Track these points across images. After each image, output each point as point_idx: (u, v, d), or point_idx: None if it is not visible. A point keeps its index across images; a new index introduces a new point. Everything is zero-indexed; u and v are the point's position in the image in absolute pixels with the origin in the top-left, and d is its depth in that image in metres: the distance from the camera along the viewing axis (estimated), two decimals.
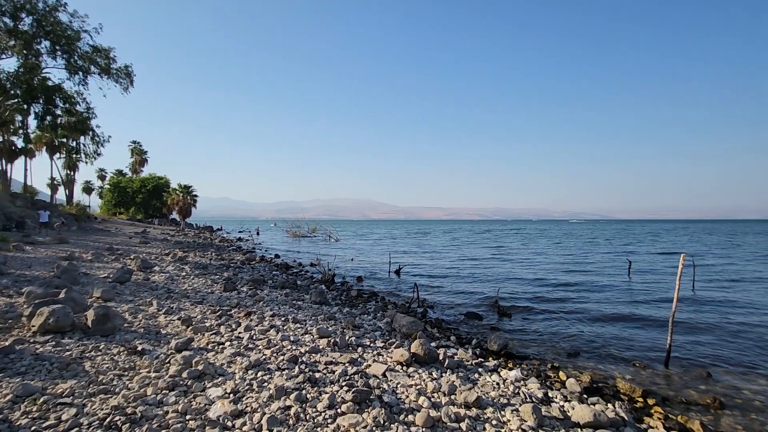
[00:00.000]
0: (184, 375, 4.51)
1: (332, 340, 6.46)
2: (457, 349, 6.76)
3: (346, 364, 5.51)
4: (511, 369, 6.03)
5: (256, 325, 7.08)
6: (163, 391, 4.16)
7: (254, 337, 6.38)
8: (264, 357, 5.46)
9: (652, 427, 4.47)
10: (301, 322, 7.73)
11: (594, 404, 4.88)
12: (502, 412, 4.45)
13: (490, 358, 6.56)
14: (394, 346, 6.63)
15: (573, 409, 4.55)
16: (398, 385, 4.95)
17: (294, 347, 6.04)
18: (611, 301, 11.73)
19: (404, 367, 5.67)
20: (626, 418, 4.54)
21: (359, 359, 5.86)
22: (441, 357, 6.14)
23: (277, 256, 24.07)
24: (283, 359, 5.38)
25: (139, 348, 5.34)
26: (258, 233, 56.68)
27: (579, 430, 4.18)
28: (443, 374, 5.54)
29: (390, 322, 8.17)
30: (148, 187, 54.23)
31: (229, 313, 7.98)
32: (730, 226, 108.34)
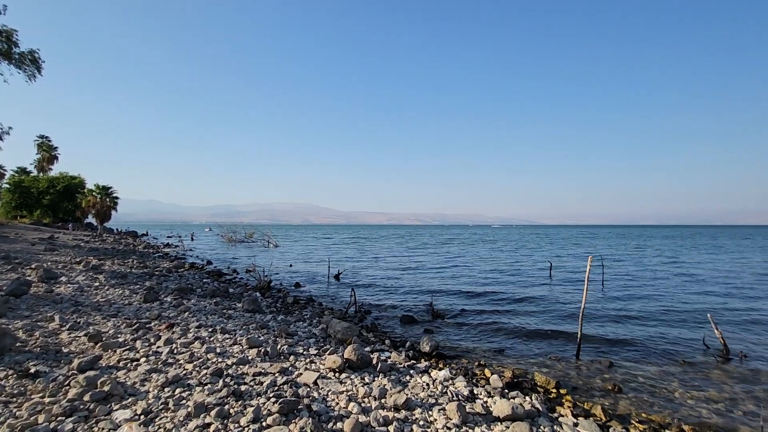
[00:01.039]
0: (86, 398, 4.06)
1: (263, 350, 6.22)
2: (391, 353, 6.86)
3: (276, 374, 5.34)
4: (441, 369, 6.25)
5: (179, 338, 6.59)
6: (59, 418, 3.70)
7: (175, 351, 5.93)
8: (185, 372, 5.10)
9: (562, 415, 4.89)
10: (231, 332, 7.35)
11: (514, 398, 5.23)
12: (430, 412, 4.59)
13: (423, 360, 6.74)
14: (328, 352, 6.54)
15: (495, 404, 4.83)
16: (329, 393, 4.90)
17: (220, 359, 5.71)
18: (534, 300, 12.67)
19: (337, 374, 5.62)
20: (540, 408, 4.92)
21: (291, 368, 5.71)
22: (374, 361, 6.19)
23: (209, 262, 22.67)
24: (207, 373, 5.06)
25: (33, 370, 4.70)
26: (192, 238, 53.01)
27: (499, 423, 4.44)
28: (375, 378, 5.58)
29: (325, 328, 8.06)
30: (57, 188, 48.01)
31: (148, 326, 7.34)
32: (639, 231, 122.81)
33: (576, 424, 4.59)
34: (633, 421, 4.90)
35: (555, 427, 4.47)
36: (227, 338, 6.88)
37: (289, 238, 61.91)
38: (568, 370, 6.67)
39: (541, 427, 4.43)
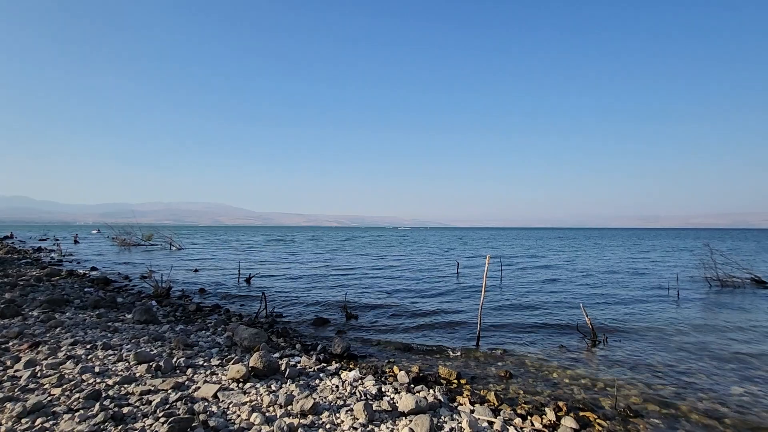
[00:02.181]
0: None
1: (155, 365, 5.62)
2: (301, 357, 6.70)
3: (169, 391, 4.86)
4: (351, 370, 6.29)
5: (45, 359, 5.64)
6: None
7: (40, 374, 5.06)
8: (50, 398, 4.36)
9: (461, 404, 5.26)
10: (115, 347, 6.49)
11: (419, 392, 5.48)
12: (337, 414, 4.58)
13: (333, 362, 6.70)
14: (232, 362, 6.15)
15: (401, 399, 5.00)
16: (231, 405, 4.60)
17: (98, 380, 5.01)
18: (441, 297, 13.49)
19: (240, 384, 5.30)
20: (442, 399, 5.23)
21: (187, 382, 5.24)
22: (283, 367, 5.99)
23: (93, 269, 19.75)
24: (80, 397, 4.40)
25: None
26: (76, 241, 45.62)
27: (404, 418, 4.60)
28: (283, 385, 5.40)
29: (231, 336, 7.56)
30: None
31: (4, 346, 6.13)
32: (538, 233, 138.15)
33: (472, 411, 4.97)
34: (520, 403, 5.47)
35: (454, 415, 4.79)
36: (110, 355, 6.07)
37: (196, 240, 56.90)
38: (468, 361, 7.20)
39: (442, 417, 4.71)
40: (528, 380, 6.34)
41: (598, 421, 4.99)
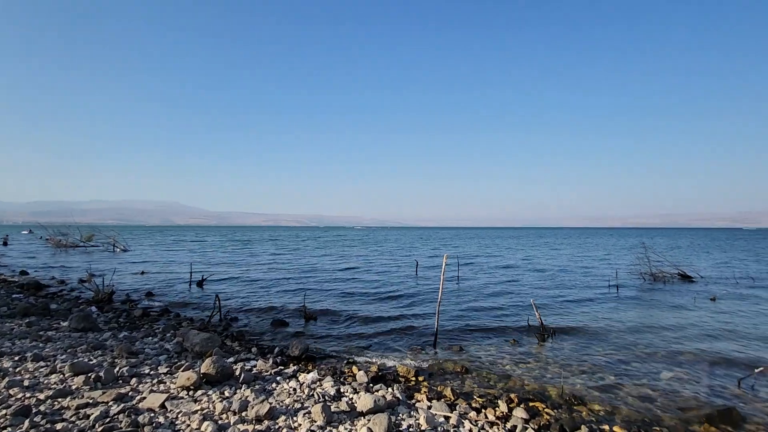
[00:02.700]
0: None
1: (93, 376, 5.22)
2: (257, 361, 6.50)
3: (110, 403, 4.54)
4: (309, 372, 6.19)
5: None
6: None
7: None
8: None
9: (419, 401, 5.35)
10: (48, 358, 5.97)
11: (377, 391, 5.50)
12: (295, 418, 4.49)
13: (291, 364, 6.57)
14: (182, 369, 5.84)
15: (359, 399, 5.00)
16: (180, 415, 4.37)
17: (28, 394, 4.57)
18: (400, 296, 13.65)
19: (191, 392, 5.06)
20: (400, 397, 5.29)
21: (131, 393, 4.92)
22: (237, 372, 5.79)
23: (24, 272, 17.98)
24: (7, 414, 3.99)
25: None
26: (5, 243, 41.23)
27: (362, 417, 4.61)
28: (237, 390, 5.22)
29: (181, 341, 7.19)
30: None
31: None
32: (496, 232, 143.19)
33: (430, 407, 5.08)
34: (475, 397, 5.66)
35: (412, 412, 4.86)
36: (42, 367, 5.57)
37: (144, 241, 53.47)
38: (426, 358, 7.35)
39: (401, 415, 4.77)
40: (483, 375, 6.58)
41: (546, 410, 5.27)
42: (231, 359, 6.54)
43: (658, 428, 4.81)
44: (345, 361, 7.01)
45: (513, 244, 52.86)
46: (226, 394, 5.07)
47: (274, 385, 5.52)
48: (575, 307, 11.99)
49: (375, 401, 4.77)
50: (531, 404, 5.42)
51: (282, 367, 6.33)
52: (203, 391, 5.12)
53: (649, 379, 6.40)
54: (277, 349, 7.32)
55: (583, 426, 4.75)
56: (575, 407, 5.39)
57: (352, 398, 5.21)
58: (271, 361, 6.57)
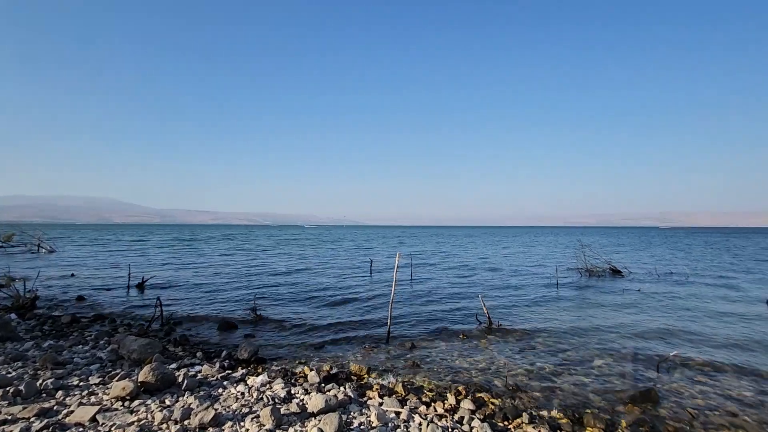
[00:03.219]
0: None
1: (12, 390, 4.72)
2: (202, 366, 6.20)
3: (32, 419, 4.13)
4: (259, 374, 6.02)
5: None
6: None
7: None
8: None
9: (370, 398, 5.39)
10: None
11: (329, 391, 5.48)
12: (242, 423, 4.35)
13: (240, 368, 6.35)
14: (116, 378, 5.43)
15: (310, 400, 4.94)
16: (113, 428, 4.08)
17: None
18: (354, 294, 13.66)
19: (127, 402, 4.73)
20: (352, 396, 5.31)
21: (57, 407, 4.51)
22: (180, 378, 5.50)
23: None
24: None
25: None
26: None
27: (313, 418, 4.56)
28: (180, 398, 4.95)
29: (117, 349, 6.68)
30: None
31: None
32: (449, 231, 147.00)
33: (381, 404, 5.14)
34: (425, 391, 5.82)
35: (363, 410, 4.90)
36: None
37: (75, 241, 48.86)
38: (379, 356, 7.42)
39: (352, 413, 4.78)
40: (433, 369, 6.76)
41: (491, 400, 5.54)
42: (173, 365, 6.19)
43: (590, 411, 5.23)
44: (297, 362, 6.90)
45: (466, 243, 54.79)
46: (167, 402, 4.80)
47: (220, 390, 5.31)
48: (520, 303, 12.68)
49: (326, 401, 4.75)
50: (478, 395, 5.67)
51: (230, 371, 6.10)
52: (141, 400, 4.80)
53: (583, 367, 6.93)
54: (224, 353, 7.03)
55: (524, 413, 5.05)
56: (518, 395, 5.72)
57: (303, 399, 5.14)
58: (217, 365, 6.30)
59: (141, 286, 14.38)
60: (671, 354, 7.10)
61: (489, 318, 9.53)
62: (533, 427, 4.73)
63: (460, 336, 8.78)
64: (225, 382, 5.58)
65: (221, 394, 5.15)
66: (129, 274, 15.24)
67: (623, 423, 4.96)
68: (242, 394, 5.19)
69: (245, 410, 4.68)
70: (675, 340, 8.65)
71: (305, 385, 5.70)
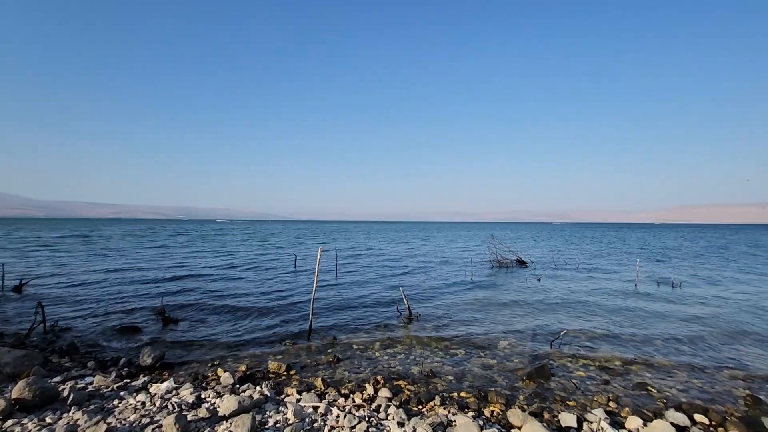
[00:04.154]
0: None
1: None
2: (95, 376, 5.53)
3: None
4: (164, 381, 5.55)
5: None
6: None
7: None
8: None
9: (288, 395, 5.30)
10: None
11: (244, 392, 5.26)
12: None
13: (142, 375, 5.78)
14: None
15: (222, 403, 4.69)
16: None
17: None
18: (276, 291, 13.26)
19: None
20: (269, 394, 5.16)
21: None
22: (66, 392, 4.84)
23: None
24: None
25: None
26: None
27: (224, 421, 4.35)
28: (64, 414, 4.36)
29: None
30: None
31: None
32: (379, 225, 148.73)
33: (299, 400, 5.08)
34: (345, 383, 5.88)
35: (280, 407, 4.79)
36: None
37: None
38: (300, 352, 7.31)
39: (268, 412, 4.65)
40: (354, 362, 6.86)
41: (407, 386, 5.80)
42: (57, 378, 5.42)
43: (493, 389, 5.75)
44: (210, 365, 6.49)
45: (393, 237, 56.17)
46: (48, 420, 4.20)
47: (116, 401, 4.79)
48: (438, 293, 13.41)
49: (240, 402, 4.55)
50: (395, 383, 5.89)
51: (129, 380, 5.52)
52: (15, 420, 4.14)
53: (491, 350, 7.59)
54: (123, 360, 6.34)
55: (437, 396, 5.39)
56: (432, 381, 6.07)
57: (215, 403, 4.87)
58: (114, 374, 5.66)
59: (19, 289, 12.26)
60: (561, 333, 8.11)
61: (409, 309, 9.93)
62: (444, 408, 5.07)
63: (381, 327, 9.03)
64: (122, 393, 5.05)
65: (117, 406, 4.65)
66: (2, 273, 12.90)
67: (521, 397, 5.54)
68: (143, 403, 4.75)
69: (145, 421, 4.29)
70: (566, 319, 9.88)
71: (217, 387, 5.40)
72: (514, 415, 4.72)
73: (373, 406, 5.03)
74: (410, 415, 4.80)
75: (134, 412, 4.47)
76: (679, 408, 5.17)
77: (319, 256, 8.12)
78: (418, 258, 25.32)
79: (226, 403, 4.58)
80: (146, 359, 6.18)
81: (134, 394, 4.99)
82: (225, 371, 6.00)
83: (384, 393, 5.41)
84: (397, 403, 5.16)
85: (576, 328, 9.04)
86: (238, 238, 46.63)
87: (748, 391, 5.78)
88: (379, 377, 6.01)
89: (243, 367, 6.24)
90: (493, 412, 5.07)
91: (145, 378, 5.62)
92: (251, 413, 4.34)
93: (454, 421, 4.53)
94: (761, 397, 5.61)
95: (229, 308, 10.66)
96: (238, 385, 5.51)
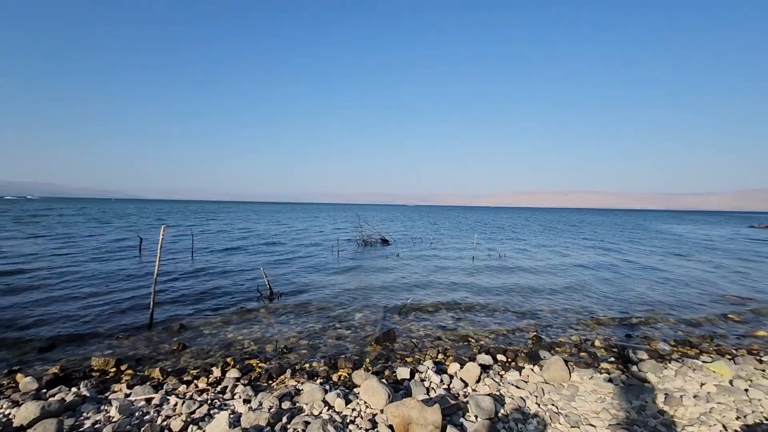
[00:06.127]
0: None
1: None
2: None
3: None
4: None
5: None
6: None
7: None
8: None
9: (115, 391, 4.72)
10: None
11: (54, 396, 4.47)
12: None
13: None
14: None
15: (20, 412, 3.91)
16: None
17: None
18: (113, 275, 11.40)
19: None
20: (88, 394, 4.51)
21: None
22: None
23: None
24: None
25: None
26: None
27: None
28: None
29: None
30: None
31: None
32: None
33: (128, 395, 4.58)
34: (189, 370, 5.51)
35: (102, 406, 4.26)
36: None
37: None
38: (137, 344, 6.52)
39: (84, 414, 4.08)
40: (203, 347, 6.46)
41: (259, 364, 5.77)
42: None
43: (344, 355, 6.17)
44: (6, 371, 5.28)
45: (266, 218, 53.44)
46: None
47: None
48: (303, 272, 13.48)
49: (43, 408, 3.87)
50: (247, 362, 5.80)
51: None
52: None
53: (347, 321, 8.07)
54: None
55: (288, 370, 5.52)
56: (286, 356, 6.17)
57: (9, 414, 4.03)
58: None
59: None
60: (408, 300, 9.14)
61: (270, 288, 9.77)
62: (294, 379, 5.24)
63: (239, 309, 8.67)
64: None
65: None
66: None
67: (367, 360, 6.09)
68: None
69: None
70: (416, 289, 11.13)
71: (14, 396, 4.46)
72: (358, 376, 5.19)
73: (219, 388, 4.89)
74: (258, 390, 4.82)
75: None
76: (488, 352, 6.44)
77: (161, 236, 7.26)
78: (284, 237, 24.86)
79: (25, 412, 3.84)
80: None
81: None
82: (26, 376, 4.97)
83: (232, 374, 5.28)
84: (246, 382, 5.11)
85: (421, 297, 10.27)
86: (64, 216, 37.71)
87: (534, 333, 7.54)
88: (229, 359, 5.83)
89: (56, 369, 5.26)
90: (341, 376, 5.45)
91: None
92: (59, 418, 3.74)
93: (302, 389, 4.74)
94: (542, 336, 7.40)
95: (44, 297, 8.74)
96: (45, 390, 4.64)
